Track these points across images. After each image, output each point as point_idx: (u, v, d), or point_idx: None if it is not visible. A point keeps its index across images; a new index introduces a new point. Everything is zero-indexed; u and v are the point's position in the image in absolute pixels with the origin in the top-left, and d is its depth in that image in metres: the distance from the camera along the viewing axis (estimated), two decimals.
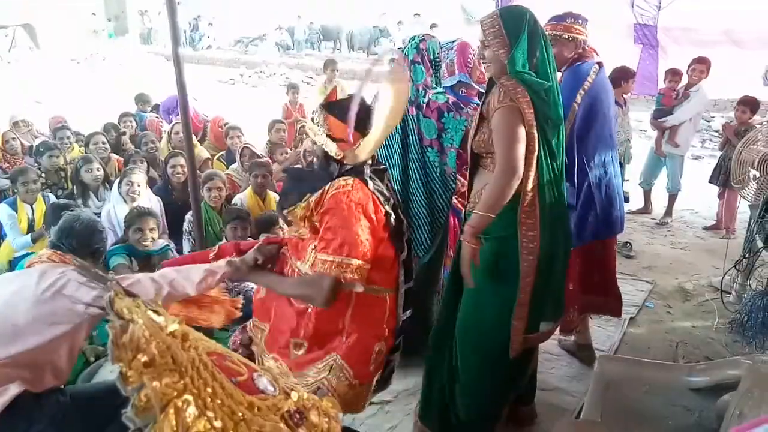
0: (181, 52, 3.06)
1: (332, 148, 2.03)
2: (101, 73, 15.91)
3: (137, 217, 3.77)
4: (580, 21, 2.92)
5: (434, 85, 2.98)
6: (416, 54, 3.00)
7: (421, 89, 2.91)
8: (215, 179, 4.49)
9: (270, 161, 5.28)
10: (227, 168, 5.70)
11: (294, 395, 0.83)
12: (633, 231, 5.61)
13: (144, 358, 0.73)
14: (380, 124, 2.02)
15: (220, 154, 6.24)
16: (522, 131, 2.10)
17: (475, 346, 2.35)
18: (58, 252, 2.26)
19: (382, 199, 2.07)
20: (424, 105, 2.85)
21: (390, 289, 2.13)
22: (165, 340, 0.76)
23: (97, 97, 12.06)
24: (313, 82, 14.09)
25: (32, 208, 4.48)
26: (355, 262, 1.92)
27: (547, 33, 2.67)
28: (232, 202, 4.59)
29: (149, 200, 4.48)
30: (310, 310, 2.07)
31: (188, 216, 4.22)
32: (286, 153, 6.01)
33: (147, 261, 3.78)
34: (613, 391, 2.54)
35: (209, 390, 0.76)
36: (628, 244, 5.09)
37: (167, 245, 4.12)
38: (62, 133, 5.98)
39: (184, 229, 4.31)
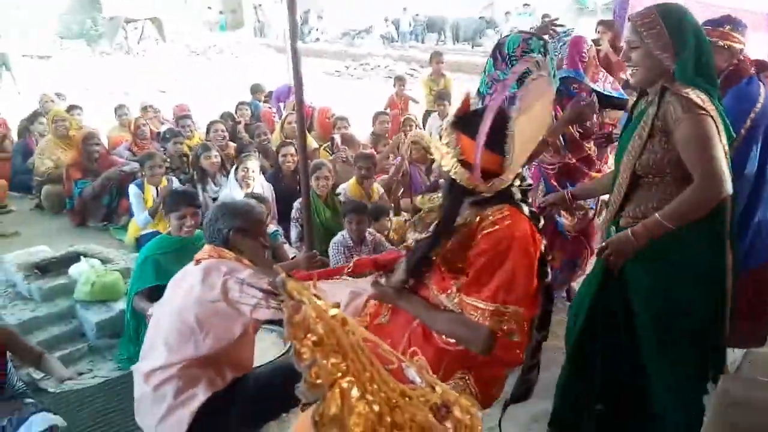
0: (298, 46, 3.16)
1: (461, 176, 1.70)
2: (218, 64, 16.83)
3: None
4: (739, 28, 2.63)
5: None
6: (518, 47, 2.88)
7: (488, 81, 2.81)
8: (323, 168, 4.62)
9: (375, 153, 5.36)
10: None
11: (438, 389, 0.84)
12: None
13: (313, 338, 0.77)
14: (525, 140, 1.72)
15: (326, 144, 6.42)
16: (719, 142, 1.91)
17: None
18: (215, 246, 2.32)
19: (536, 224, 1.83)
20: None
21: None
22: (330, 322, 0.79)
23: (214, 86, 12.78)
24: (417, 74, 14.12)
25: (157, 190, 4.83)
26: (512, 309, 1.68)
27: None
28: (336, 192, 4.71)
29: (262, 187, 4.70)
30: (451, 348, 1.81)
31: (296, 203, 4.37)
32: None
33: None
34: (738, 413, 2.35)
35: (367, 374, 0.79)
36: None
37: (277, 231, 4.31)
38: (185, 121, 6.40)
39: (292, 216, 4.47)
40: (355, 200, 4.30)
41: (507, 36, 2.92)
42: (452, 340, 1.79)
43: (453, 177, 1.72)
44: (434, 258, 1.83)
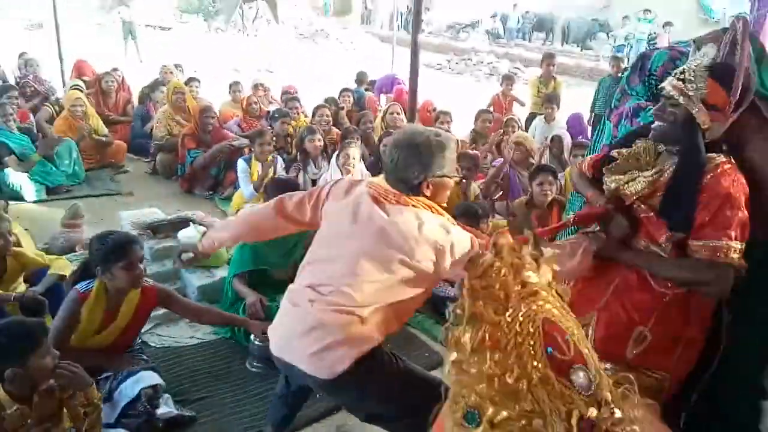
0: (405, 37, 3.17)
1: (702, 117, 1.80)
2: (323, 48, 17.20)
3: None
4: None
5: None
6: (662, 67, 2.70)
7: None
8: None
9: (478, 155, 5.30)
10: None
11: (603, 411, 0.80)
12: None
13: (482, 283, 0.80)
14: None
15: None
16: None
17: None
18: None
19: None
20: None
21: None
22: (508, 282, 0.82)
23: (319, 70, 13.09)
24: (521, 74, 13.81)
25: (263, 166, 5.02)
26: (739, 245, 1.77)
27: None
28: None
29: (361, 174, 4.78)
30: (666, 299, 1.89)
31: None
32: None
33: None
34: None
35: (518, 340, 0.79)
36: None
37: None
38: (293, 103, 6.60)
39: None
40: (467, 203, 4.23)
41: (655, 49, 2.75)
42: (671, 284, 1.88)
43: (693, 114, 1.80)
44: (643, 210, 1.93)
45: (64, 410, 2.09)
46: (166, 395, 2.69)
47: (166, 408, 2.61)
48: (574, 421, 0.76)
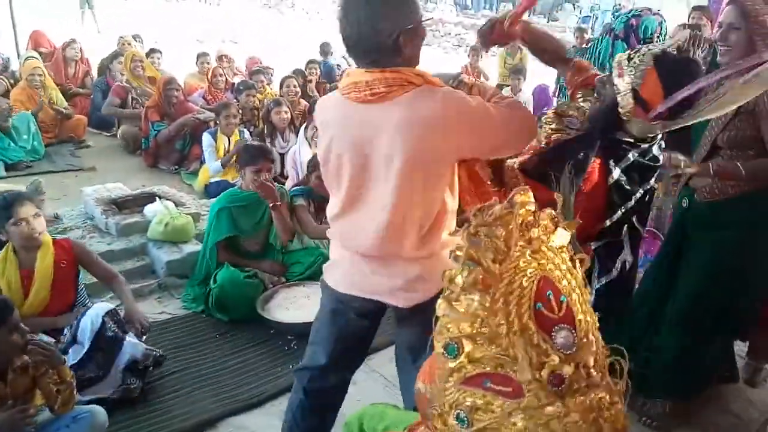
0: None
1: (625, 104, 1.71)
2: (290, 18, 16.86)
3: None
4: None
5: None
6: (623, 29, 2.81)
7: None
8: None
9: None
10: None
11: (580, 372, 0.81)
12: None
13: (486, 230, 0.85)
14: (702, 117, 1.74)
15: None
16: None
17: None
18: None
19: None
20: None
21: None
22: (513, 236, 0.85)
23: (285, 41, 12.85)
24: None
25: (229, 140, 4.96)
26: None
27: None
28: None
29: None
30: None
31: None
32: None
33: (323, 205, 4.02)
34: None
35: (508, 289, 0.83)
36: None
37: None
38: (258, 76, 6.48)
39: None
40: None
41: (641, 17, 2.80)
42: None
43: (617, 98, 1.68)
44: None
45: (37, 389, 2.09)
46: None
47: (133, 340, 2.67)
48: (544, 373, 0.79)
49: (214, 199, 4.16)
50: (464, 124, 1.58)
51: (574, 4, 17.94)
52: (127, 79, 6.36)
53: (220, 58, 7.18)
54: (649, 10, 2.83)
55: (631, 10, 2.87)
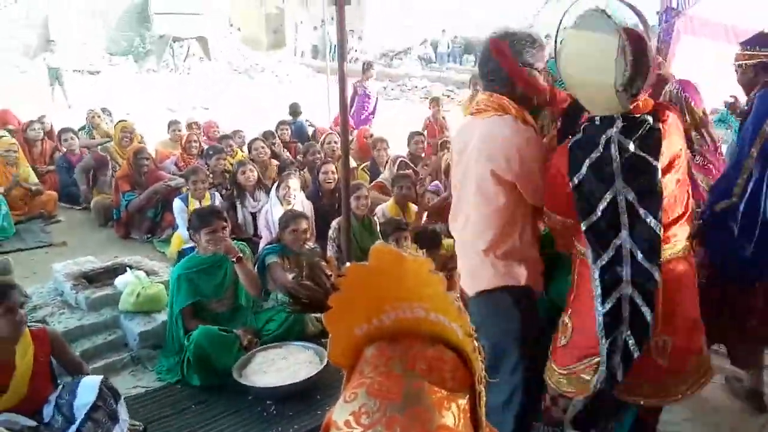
0: (345, 67, 3.22)
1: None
2: (260, 82, 17.19)
3: (292, 218, 3.98)
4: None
5: None
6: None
7: None
8: (362, 189, 4.66)
9: (414, 174, 5.39)
10: (370, 177, 5.91)
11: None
12: None
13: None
14: None
15: (364, 164, 6.48)
16: None
17: None
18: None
19: None
20: None
21: None
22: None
23: (256, 104, 13.05)
24: (455, 95, 14.18)
25: (200, 203, 4.94)
26: None
27: (746, 59, 2.55)
28: (374, 213, 4.74)
29: (302, 204, 4.77)
30: None
31: (334, 223, 4.42)
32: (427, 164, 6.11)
33: (297, 260, 4.00)
34: None
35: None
36: None
37: (316, 247, 4.35)
38: (226, 141, 6.55)
39: (329, 235, 4.51)
40: (398, 219, 4.35)
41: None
42: None
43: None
44: None
45: None
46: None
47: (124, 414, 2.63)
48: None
49: None
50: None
51: None
52: (104, 147, 6.43)
53: (189, 125, 7.26)
54: None
55: None
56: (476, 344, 0.84)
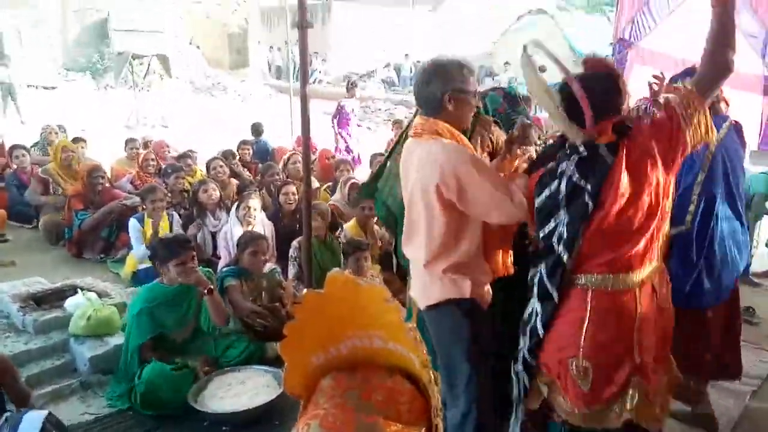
0: (307, 88, 3.23)
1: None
2: (222, 102, 17.05)
3: (251, 240, 3.94)
4: None
5: None
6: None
7: None
8: (323, 209, 4.65)
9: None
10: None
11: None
12: (758, 295, 5.17)
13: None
14: None
15: (326, 185, 6.46)
16: None
17: None
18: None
19: None
20: None
21: None
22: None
23: (218, 123, 12.92)
24: None
25: (157, 224, 4.84)
26: None
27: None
28: (337, 233, 4.72)
29: (262, 224, 4.71)
30: None
31: (294, 243, 4.38)
32: None
33: (256, 283, 3.94)
34: None
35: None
36: (751, 309, 4.69)
37: (275, 268, 4.30)
38: (184, 161, 6.45)
39: (290, 255, 4.47)
40: (359, 240, 4.33)
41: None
42: None
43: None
44: None
45: None
46: None
47: None
48: None
49: (139, 288, 4.00)
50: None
51: (493, 78, 19.00)
52: (44, 169, 6.21)
53: (145, 144, 7.13)
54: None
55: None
56: (432, 375, 0.83)
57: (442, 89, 2.14)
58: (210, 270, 3.79)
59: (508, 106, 2.95)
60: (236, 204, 4.80)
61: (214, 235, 5.02)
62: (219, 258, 4.78)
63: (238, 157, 6.89)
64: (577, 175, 1.95)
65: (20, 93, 13.70)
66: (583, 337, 1.96)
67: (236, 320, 3.64)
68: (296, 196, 4.99)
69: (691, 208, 2.74)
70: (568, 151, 2.02)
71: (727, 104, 2.96)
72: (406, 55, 21.83)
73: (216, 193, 5.14)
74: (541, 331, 2.04)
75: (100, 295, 3.89)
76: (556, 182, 2.01)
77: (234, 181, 6.01)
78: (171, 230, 4.82)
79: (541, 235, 2.04)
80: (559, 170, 2.01)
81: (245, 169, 6.80)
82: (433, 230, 2.16)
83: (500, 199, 2.08)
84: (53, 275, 4.67)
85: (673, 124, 1.93)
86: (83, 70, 17.81)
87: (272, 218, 5.02)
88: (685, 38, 6.52)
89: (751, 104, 6.41)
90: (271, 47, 23.09)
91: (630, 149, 1.93)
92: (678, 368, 2.36)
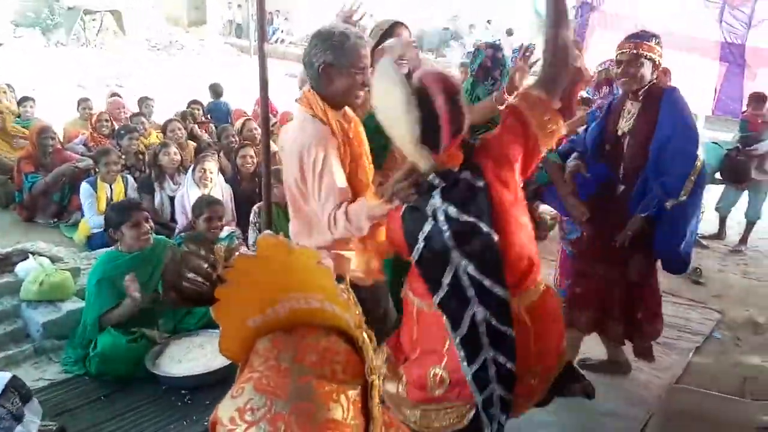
0: (266, 48, 3.14)
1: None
2: (179, 60, 16.51)
3: (206, 206, 3.86)
4: (658, 40, 2.75)
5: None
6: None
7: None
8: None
9: None
10: None
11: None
12: (704, 257, 5.38)
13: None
14: None
15: None
16: None
17: None
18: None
19: None
20: None
21: None
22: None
23: (174, 84, 12.53)
24: None
25: (111, 188, 4.71)
26: None
27: (627, 52, 2.62)
28: None
29: (221, 188, 4.64)
30: None
31: (255, 207, 4.33)
32: None
33: (211, 249, 3.88)
34: (676, 423, 2.46)
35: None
36: (698, 270, 4.89)
37: (233, 233, 4.26)
38: (138, 119, 6.25)
39: (251, 220, 4.41)
40: None
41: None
42: None
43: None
44: None
45: None
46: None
47: (30, 418, 2.47)
48: None
49: (96, 251, 3.92)
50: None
51: (459, 41, 18.87)
52: None
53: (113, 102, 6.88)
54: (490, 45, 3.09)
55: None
56: (366, 335, 0.84)
57: (317, 60, 2.03)
58: (164, 237, 3.71)
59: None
60: (192, 166, 4.70)
61: (172, 200, 4.92)
62: (176, 223, 4.70)
63: (195, 119, 6.71)
64: (456, 211, 1.77)
65: None
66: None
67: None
68: (254, 159, 4.92)
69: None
70: (424, 187, 1.80)
71: (668, 74, 3.02)
72: (371, 15, 21.41)
73: (177, 156, 5.02)
74: (512, 368, 1.85)
75: (52, 260, 3.79)
76: (430, 223, 1.80)
77: (192, 144, 5.87)
78: (126, 194, 4.70)
79: (446, 282, 1.81)
80: (431, 209, 1.80)
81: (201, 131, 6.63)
82: (297, 211, 2.19)
83: (323, 212, 2.01)
84: (3, 240, 4.53)
85: (525, 129, 1.81)
86: (32, 25, 16.92)
87: (230, 181, 4.94)
88: (646, 2, 6.57)
89: (707, 70, 6.54)
90: (230, 3, 22.31)
91: (492, 166, 1.79)
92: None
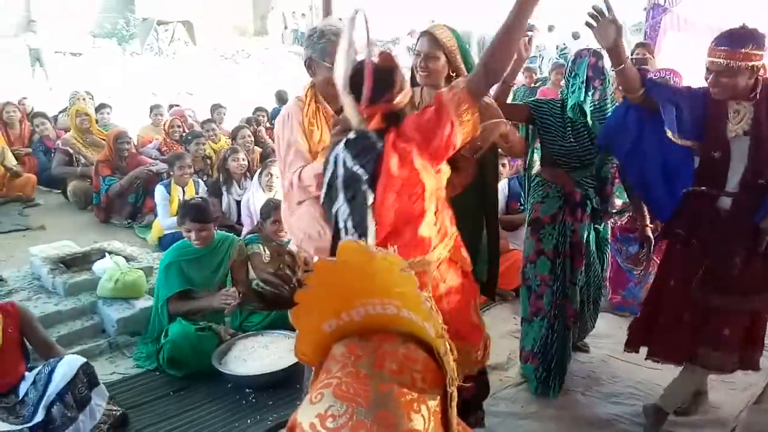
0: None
1: None
2: (246, 69, 17.00)
3: (274, 209, 3.93)
4: (756, 43, 2.34)
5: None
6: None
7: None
8: None
9: None
10: None
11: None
12: None
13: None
14: None
15: None
16: None
17: None
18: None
19: None
20: None
21: None
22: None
23: (241, 90, 12.91)
24: None
25: (183, 191, 4.89)
26: None
27: (717, 62, 2.32)
28: None
29: None
30: None
31: None
32: None
33: (279, 251, 3.96)
34: None
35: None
36: None
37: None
38: (209, 125, 6.47)
39: None
40: None
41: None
42: None
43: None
44: None
45: None
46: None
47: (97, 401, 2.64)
48: None
49: None
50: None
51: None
52: (65, 140, 6.27)
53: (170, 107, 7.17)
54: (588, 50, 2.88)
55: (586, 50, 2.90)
56: (448, 345, 0.82)
57: (305, 56, 2.35)
58: (232, 234, 3.81)
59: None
60: (259, 171, 4.82)
61: (238, 204, 5.06)
62: (242, 225, 4.83)
63: (262, 125, 6.90)
64: (351, 161, 1.92)
65: (48, 59, 13.79)
66: None
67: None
68: None
69: None
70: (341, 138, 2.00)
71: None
72: (433, 21, 21.42)
73: (245, 162, 5.18)
74: None
75: (127, 259, 3.97)
76: (331, 167, 1.99)
77: (258, 149, 6.02)
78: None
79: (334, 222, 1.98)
80: (334, 154, 1.98)
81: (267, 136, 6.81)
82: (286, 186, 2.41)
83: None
84: (82, 239, 4.77)
85: (441, 120, 1.87)
86: (109, 36, 17.87)
87: None
88: (721, 5, 6.27)
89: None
90: (294, 13, 22.83)
91: (397, 136, 1.88)
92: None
